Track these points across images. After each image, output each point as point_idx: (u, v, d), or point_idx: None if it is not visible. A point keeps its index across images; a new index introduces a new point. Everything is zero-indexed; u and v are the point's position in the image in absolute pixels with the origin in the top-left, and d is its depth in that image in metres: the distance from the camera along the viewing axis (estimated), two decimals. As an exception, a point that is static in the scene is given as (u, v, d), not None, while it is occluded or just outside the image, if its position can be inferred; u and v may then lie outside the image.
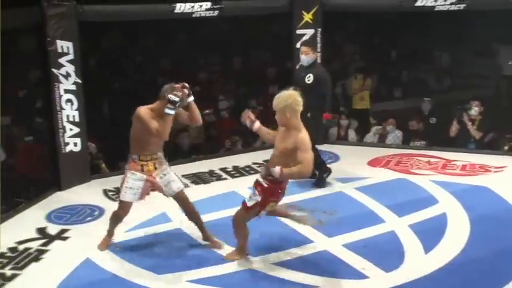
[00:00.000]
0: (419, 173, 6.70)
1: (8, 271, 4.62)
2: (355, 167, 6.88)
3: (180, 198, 4.85)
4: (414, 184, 6.37)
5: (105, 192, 6.19)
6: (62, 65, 6.02)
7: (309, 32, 7.33)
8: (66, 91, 6.10)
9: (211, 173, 6.80)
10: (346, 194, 6.10)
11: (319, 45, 7.33)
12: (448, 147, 7.47)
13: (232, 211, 4.69)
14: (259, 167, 6.67)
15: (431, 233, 5.12)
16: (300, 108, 4.25)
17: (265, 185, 4.35)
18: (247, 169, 6.89)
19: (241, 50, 9.64)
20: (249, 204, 4.45)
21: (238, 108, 8.60)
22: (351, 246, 4.92)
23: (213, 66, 9.65)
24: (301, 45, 6.42)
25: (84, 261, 4.77)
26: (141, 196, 4.78)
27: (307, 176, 4.58)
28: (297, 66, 6.63)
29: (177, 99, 4.39)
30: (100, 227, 5.30)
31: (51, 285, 4.41)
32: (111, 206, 5.76)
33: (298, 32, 7.34)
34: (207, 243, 4.98)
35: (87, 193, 6.16)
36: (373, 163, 7.03)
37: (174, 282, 4.43)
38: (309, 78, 6.10)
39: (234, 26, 8.06)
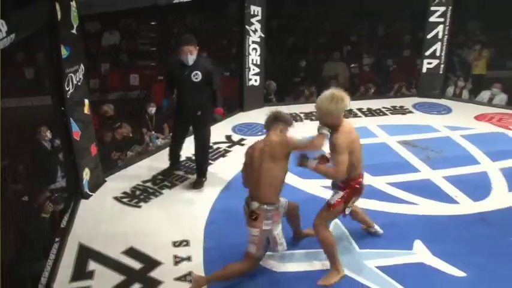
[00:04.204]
0: (518, 129, 6.04)
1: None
2: (464, 119, 6.35)
3: (290, 209, 3.41)
4: (511, 138, 5.79)
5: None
6: (252, 23, 6.21)
7: (441, 9, 6.66)
8: (253, 42, 6.31)
9: (349, 111, 6.65)
10: (453, 139, 5.74)
11: (448, 20, 6.67)
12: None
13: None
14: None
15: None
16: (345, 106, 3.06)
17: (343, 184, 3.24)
18: (378, 111, 6.70)
19: (385, 20, 9.16)
20: (332, 201, 3.26)
21: (378, 64, 8.35)
22: (449, 179, 4.71)
23: (362, 31, 9.31)
24: (181, 45, 4.25)
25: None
26: None
27: (339, 179, 3.19)
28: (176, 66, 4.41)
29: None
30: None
31: (230, 174, 4.79)
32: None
33: (432, 8, 6.70)
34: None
35: (260, 115, 5.99)
36: (479, 118, 6.43)
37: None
38: (196, 77, 4.30)
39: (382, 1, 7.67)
